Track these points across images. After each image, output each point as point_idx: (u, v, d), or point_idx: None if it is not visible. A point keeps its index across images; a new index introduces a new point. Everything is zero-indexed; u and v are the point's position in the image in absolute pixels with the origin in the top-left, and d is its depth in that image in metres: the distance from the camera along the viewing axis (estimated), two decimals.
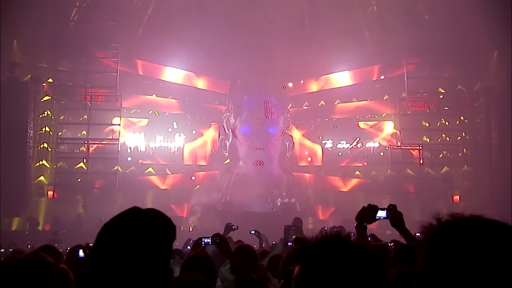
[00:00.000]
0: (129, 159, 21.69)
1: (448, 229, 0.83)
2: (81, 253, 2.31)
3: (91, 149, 19.65)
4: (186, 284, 2.19)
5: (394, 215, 2.86)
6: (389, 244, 5.06)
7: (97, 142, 20.08)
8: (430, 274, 0.82)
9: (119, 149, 19.93)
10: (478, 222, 0.83)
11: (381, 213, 2.86)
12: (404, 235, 2.87)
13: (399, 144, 20.37)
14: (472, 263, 0.77)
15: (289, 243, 5.57)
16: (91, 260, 1.21)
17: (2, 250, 8.68)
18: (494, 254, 0.77)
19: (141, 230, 1.21)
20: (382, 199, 18.67)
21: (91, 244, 1.50)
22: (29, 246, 10.54)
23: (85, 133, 19.87)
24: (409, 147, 20.19)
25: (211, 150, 23.44)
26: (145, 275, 1.17)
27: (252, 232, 7.16)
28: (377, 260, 1.04)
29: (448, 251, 0.80)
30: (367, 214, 2.86)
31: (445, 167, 20.08)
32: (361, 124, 22.93)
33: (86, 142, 19.57)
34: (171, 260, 1.31)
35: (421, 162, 19.53)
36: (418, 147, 20.04)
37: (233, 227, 6.12)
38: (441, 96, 19.87)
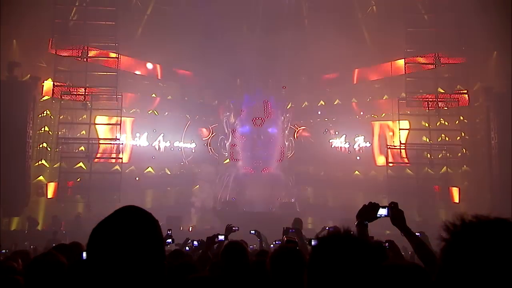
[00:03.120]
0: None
1: (472, 229, 0.85)
2: (85, 255, 2.29)
3: (95, 152, 19.72)
4: (199, 282, 2.20)
5: (395, 213, 2.85)
6: (384, 244, 5.07)
7: (98, 141, 20.10)
8: (450, 271, 0.83)
9: (121, 149, 19.95)
10: (501, 224, 0.84)
11: (382, 211, 2.86)
12: (405, 233, 2.86)
13: (397, 144, 20.42)
14: (493, 263, 0.78)
15: (277, 242, 5.61)
16: (88, 257, 1.22)
17: (3, 251, 8.63)
18: None
19: (138, 227, 1.23)
20: (381, 199, 18.68)
21: None
22: (31, 247, 10.50)
23: (84, 133, 19.88)
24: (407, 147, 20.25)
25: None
26: (142, 270, 1.19)
27: (252, 232, 7.12)
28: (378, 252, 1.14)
29: (470, 250, 0.81)
30: (368, 212, 2.86)
31: (445, 167, 20.08)
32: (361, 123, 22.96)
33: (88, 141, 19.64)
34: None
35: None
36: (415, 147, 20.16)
37: (234, 228, 6.09)
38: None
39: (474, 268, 0.80)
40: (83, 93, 19.03)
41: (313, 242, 4.29)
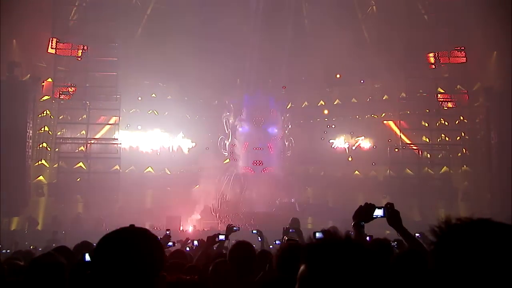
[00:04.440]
0: None
1: (457, 231, 0.85)
2: (87, 257, 2.30)
3: (90, 149, 19.69)
4: (183, 285, 2.24)
5: (391, 214, 2.85)
6: (393, 244, 5.07)
7: (97, 141, 20.09)
8: (441, 274, 0.83)
9: (118, 149, 19.93)
10: (485, 225, 0.84)
11: (378, 212, 2.86)
12: (401, 234, 2.86)
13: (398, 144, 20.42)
14: (479, 263, 0.78)
15: (277, 241, 5.64)
16: (94, 265, 1.30)
17: (4, 251, 8.62)
18: (502, 255, 0.78)
19: (140, 241, 1.35)
20: (381, 199, 18.68)
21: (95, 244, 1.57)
22: (31, 247, 10.48)
23: (84, 133, 19.87)
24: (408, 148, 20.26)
25: None
26: (141, 280, 1.27)
27: (254, 231, 7.09)
28: (379, 258, 1.07)
29: (456, 252, 0.82)
30: (364, 213, 2.86)
31: (445, 167, 20.08)
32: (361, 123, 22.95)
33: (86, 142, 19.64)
34: None
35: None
36: (416, 147, 20.16)
37: (234, 228, 6.08)
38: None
39: (462, 267, 0.80)
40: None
41: (317, 235, 4.28)
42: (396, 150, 20.57)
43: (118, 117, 20.13)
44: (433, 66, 19.76)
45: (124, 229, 1.39)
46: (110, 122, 20.23)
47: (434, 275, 0.85)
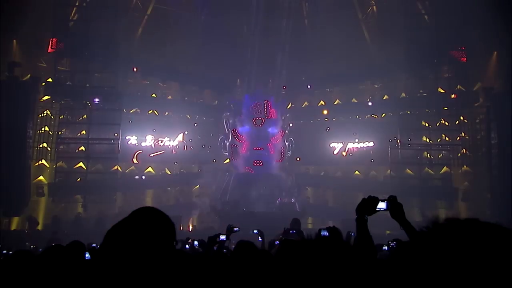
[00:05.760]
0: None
1: (440, 231, 0.85)
2: (87, 255, 2.31)
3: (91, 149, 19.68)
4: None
5: (394, 207, 2.86)
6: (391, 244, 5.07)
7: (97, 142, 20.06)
8: (425, 273, 0.83)
9: (119, 148, 19.90)
10: (471, 225, 0.83)
11: (381, 205, 2.87)
12: (404, 227, 2.86)
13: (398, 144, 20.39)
14: (466, 265, 0.78)
15: (276, 242, 5.62)
16: (102, 254, 1.25)
17: (4, 251, 8.59)
18: (489, 256, 0.77)
19: (155, 224, 1.29)
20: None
21: (93, 245, 1.54)
22: (32, 247, 10.46)
23: (84, 133, 19.85)
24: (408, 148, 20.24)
25: None
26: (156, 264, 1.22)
27: (255, 231, 7.04)
28: (362, 256, 1.07)
29: (441, 253, 0.81)
30: (367, 206, 2.87)
31: (445, 167, 20.07)
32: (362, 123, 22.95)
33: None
34: None
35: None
36: (417, 147, 20.14)
37: (235, 229, 6.04)
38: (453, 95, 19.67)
39: (444, 267, 0.80)
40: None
41: (322, 233, 4.26)
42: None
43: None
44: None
45: (137, 212, 1.34)
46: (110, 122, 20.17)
47: (419, 275, 0.84)
